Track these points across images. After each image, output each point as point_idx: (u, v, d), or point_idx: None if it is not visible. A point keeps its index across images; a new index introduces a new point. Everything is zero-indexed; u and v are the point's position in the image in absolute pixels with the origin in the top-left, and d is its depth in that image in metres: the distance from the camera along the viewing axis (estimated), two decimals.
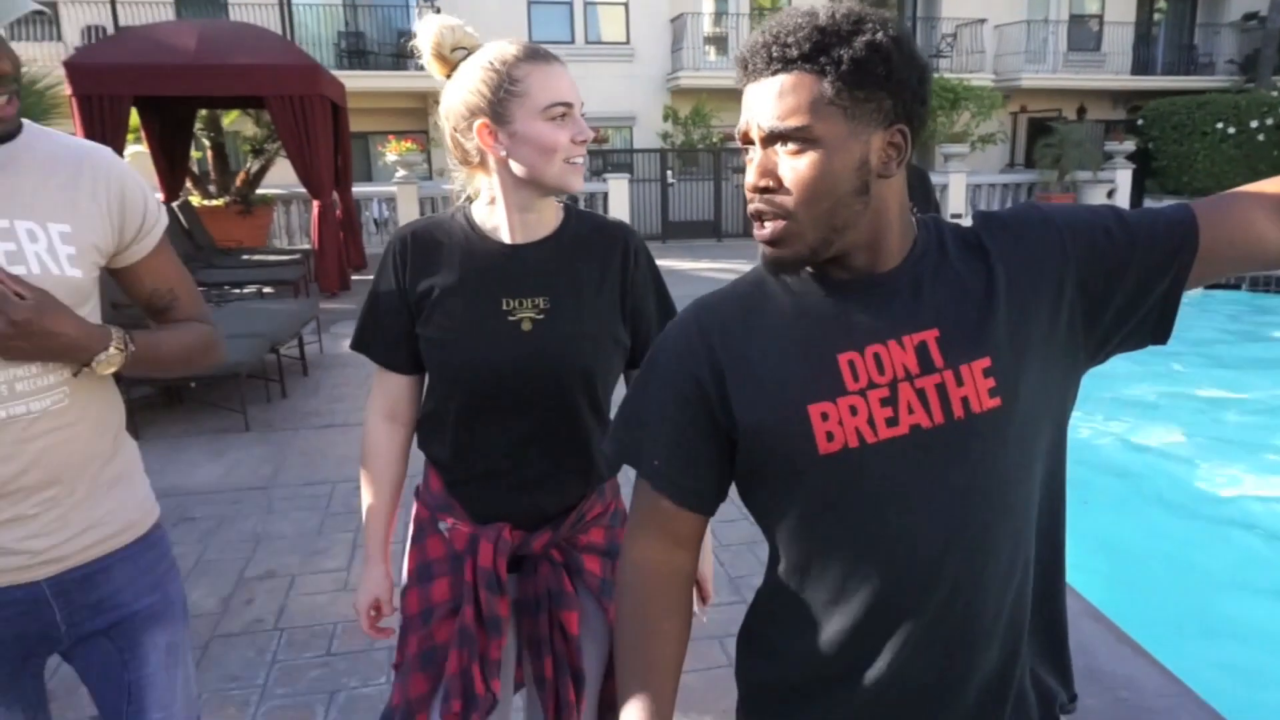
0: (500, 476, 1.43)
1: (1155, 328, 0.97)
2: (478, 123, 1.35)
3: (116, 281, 1.44)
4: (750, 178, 0.94)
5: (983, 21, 17.51)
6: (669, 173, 14.96)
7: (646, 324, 1.49)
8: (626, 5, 17.11)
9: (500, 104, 1.33)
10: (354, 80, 12.97)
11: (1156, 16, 19.79)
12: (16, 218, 1.25)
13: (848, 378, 0.93)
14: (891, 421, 0.91)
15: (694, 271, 11.19)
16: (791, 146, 0.90)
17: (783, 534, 1.00)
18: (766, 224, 0.93)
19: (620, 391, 1.29)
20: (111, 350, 1.30)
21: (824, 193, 0.90)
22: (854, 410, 0.92)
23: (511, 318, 1.39)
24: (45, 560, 1.33)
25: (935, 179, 14.14)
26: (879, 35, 0.88)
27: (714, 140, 15.46)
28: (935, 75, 16.45)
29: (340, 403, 5.61)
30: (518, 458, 1.42)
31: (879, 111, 0.89)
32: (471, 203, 1.46)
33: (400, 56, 16.45)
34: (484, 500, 1.46)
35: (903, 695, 0.95)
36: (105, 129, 7.96)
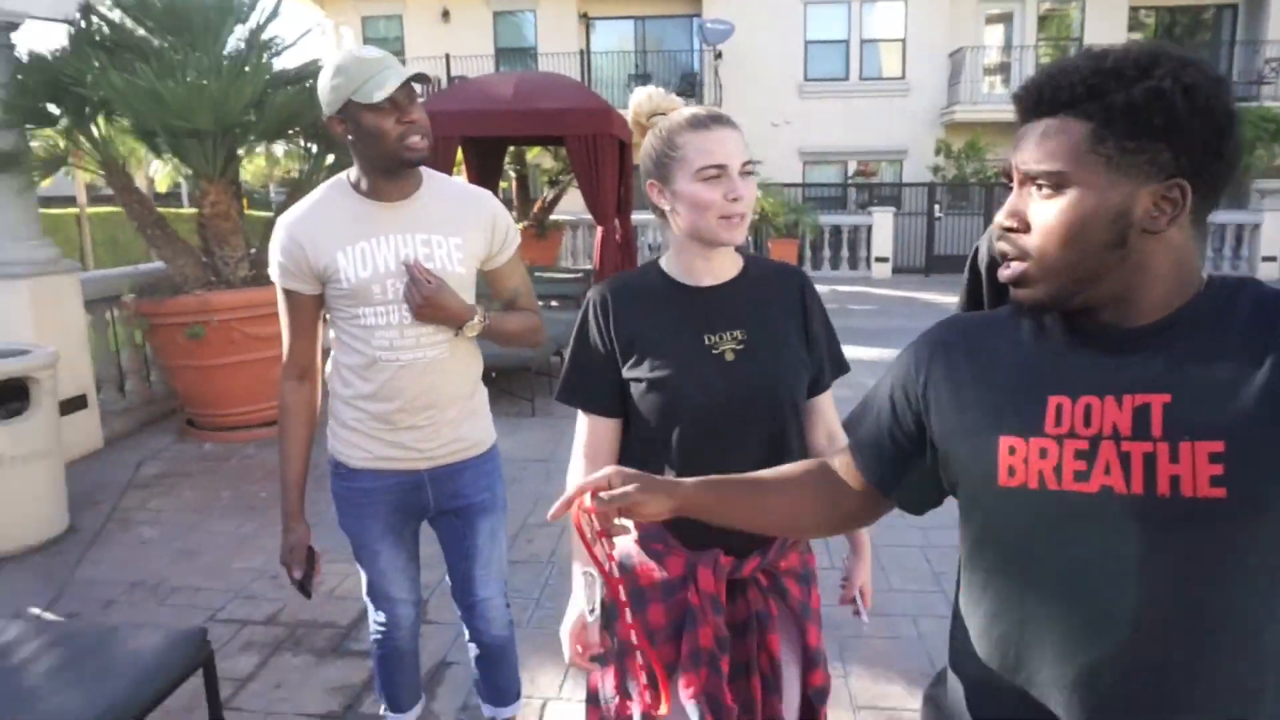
0: None
1: None
2: (647, 181, 1.51)
3: (484, 279, 2.07)
4: (999, 216, 0.92)
5: None
6: (936, 206, 14.81)
7: (819, 349, 1.57)
8: (904, 41, 17.15)
9: (663, 166, 1.45)
10: None
11: None
12: (432, 232, 1.91)
13: (1050, 419, 0.89)
14: (1081, 475, 0.86)
15: (953, 304, 11.08)
16: (1044, 190, 0.87)
17: (963, 547, 1.00)
18: (1010, 264, 0.91)
19: None
20: (475, 321, 1.92)
21: (1069, 240, 0.87)
22: (1044, 453, 0.88)
23: (715, 351, 1.48)
24: (426, 456, 1.99)
25: (1245, 218, 12.85)
26: (1166, 82, 0.81)
27: (988, 175, 15.08)
28: (1256, 104, 14.96)
29: None
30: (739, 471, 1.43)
31: (1152, 164, 0.83)
32: (663, 255, 1.60)
33: (682, 95, 17.69)
34: (700, 528, 1.26)
35: None
36: (438, 163, 9.56)
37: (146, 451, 5.27)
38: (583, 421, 1.59)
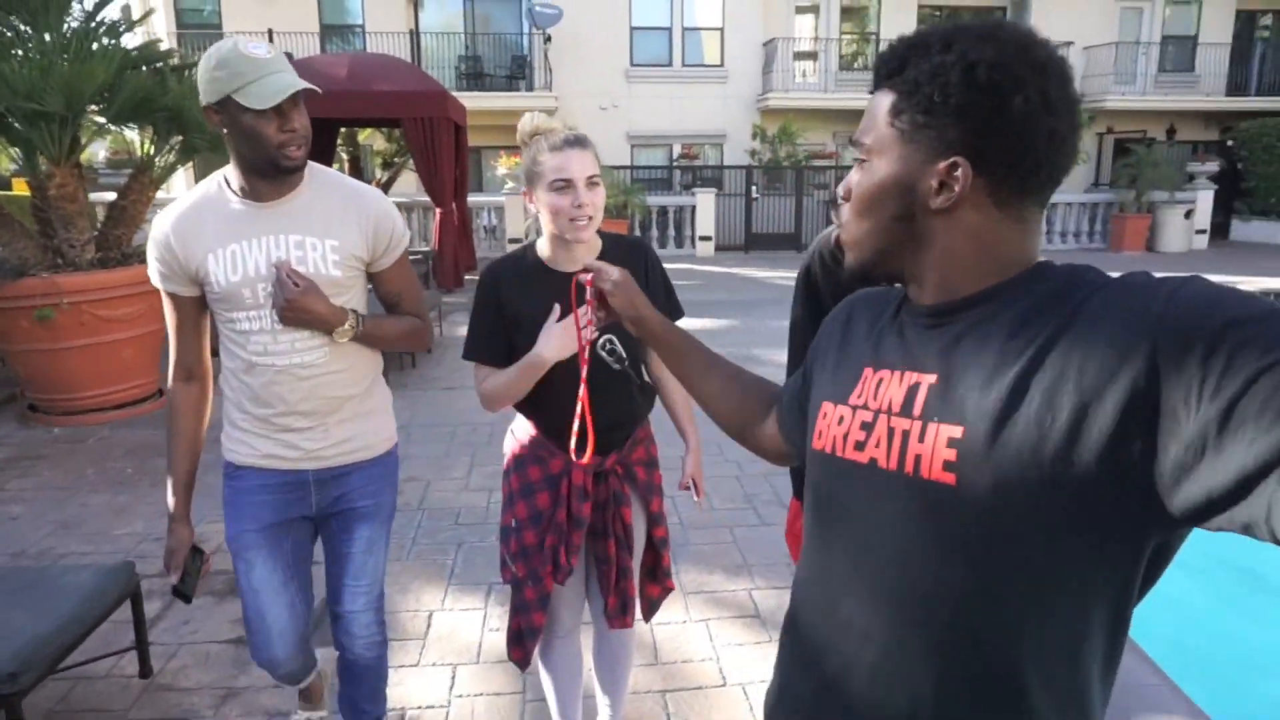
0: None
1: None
2: (522, 190, 1.90)
3: (370, 281, 1.99)
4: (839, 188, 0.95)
5: (1070, 44, 17.86)
6: (754, 188, 15.95)
7: (659, 301, 1.95)
8: (722, 30, 18.18)
9: (531, 178, 1.85)
10: (471, 100, 14.45)
11: (1261, 34, 19.63)
12: (307, 234, 1.81)
13: (855, 390, 0.93)
14: (859, 445, 0.89)
15: (770, 279, 12.16)
16: (858, 160, 0.91)
17: None
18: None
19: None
20: (346, 326, 1.85)
21: (864, 210, 0.90)
22: (841, 420, 0.93)
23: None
24: (311, 456, 1.93)
25: None
26: (950, 57, 0.80)
27: (799, 159, 16.37)
28: None
29: (456, 372, 6.89)
30: (595, 412, 1.71)
31: (940, 140, 0.82)
32: (537, 242, 1.95)
33: (512, 79, 17.97)
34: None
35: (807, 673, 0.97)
36: None
37: None
38: (482, 371, 1.94)
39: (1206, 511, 0.65)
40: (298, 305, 1.77)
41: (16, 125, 4.99)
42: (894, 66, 0.86)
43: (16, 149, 5.38)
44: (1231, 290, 0.70)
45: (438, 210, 10.68)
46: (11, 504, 4.27)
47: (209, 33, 16.93)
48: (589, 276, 1.31)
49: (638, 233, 14.83)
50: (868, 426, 0.89)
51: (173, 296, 1.87)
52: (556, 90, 17.34)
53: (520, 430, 2.04)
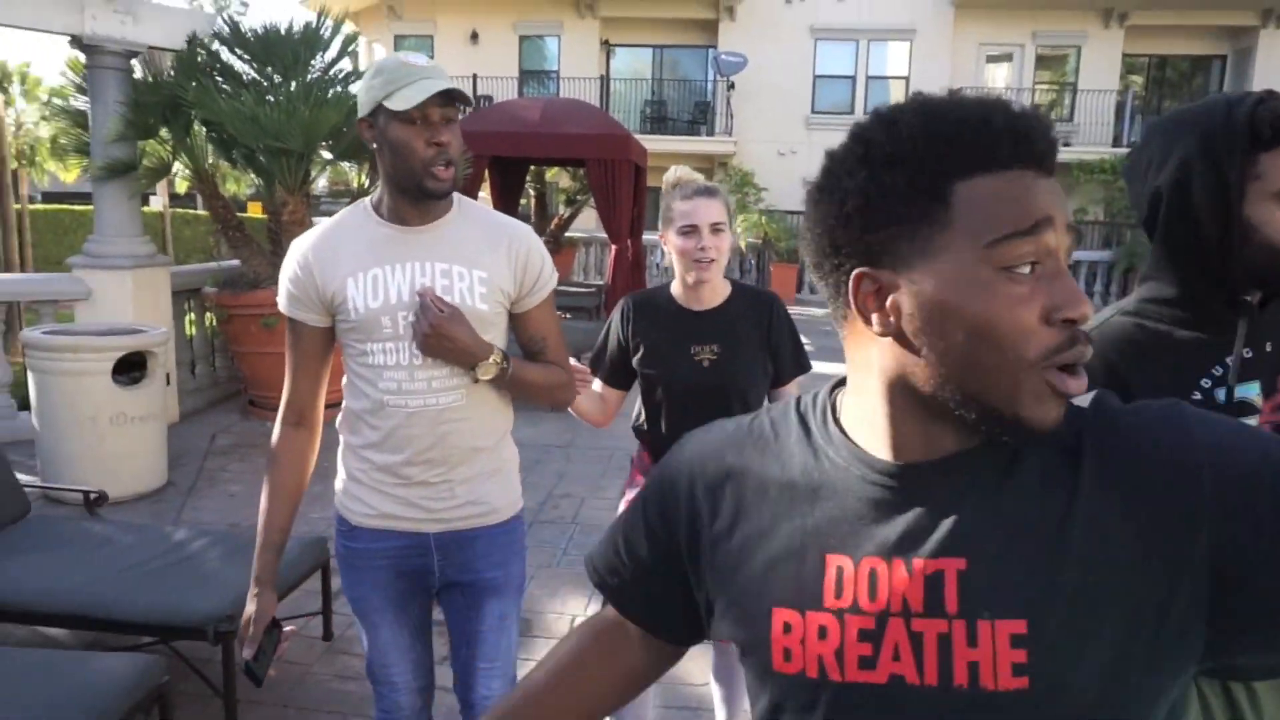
0: None
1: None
2: (659, 232, 2.10)
3: (510, 323, 1.78)
4: (1085, 305, 0.65)
5: None
6: None
7: (782, 355, 2.13)
8: (908, 79, 18.04)
9: (665, 221, 2.06)
10: (653, 143, 15.07)
11: None
12: (454, 262, 1.67)
13: (829, 589, 0.71)
14: (866, 663, 0.69)
15: None
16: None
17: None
18: (1076, 381, 0.66)
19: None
20: (491, 361, 1.65)
21: None
22: (823, 633, 0.71)
23: (696, 358, 2.07)
24: (435, 518, 1.72)
25: None
26: None
27: None
28: None
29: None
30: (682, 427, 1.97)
31: None
32: (671, 283, 2.15)
33: (694, 123, 18.56)
34: None
35: None
36: (468, 181, 10.39)
37: (217, 426, 6.03)
38: (599, 385, 2.22)
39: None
40: (443, 331, 1.60)
41: (261, 159, 5.81)
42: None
43: (258, 178, 6.25)
44: (1239, 427, 0.69)
45: (613, 246, 11.21)
46: (231, 484, 4.93)
47: None
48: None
49: (808, 279, 14.88)
50: (871, 636, 0.69)
51: (298, 326, 1.71)
52: (736, 135, 17.74)
53: (640, 461, 2.25)
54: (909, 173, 0.66)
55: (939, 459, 0.71)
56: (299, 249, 1.69)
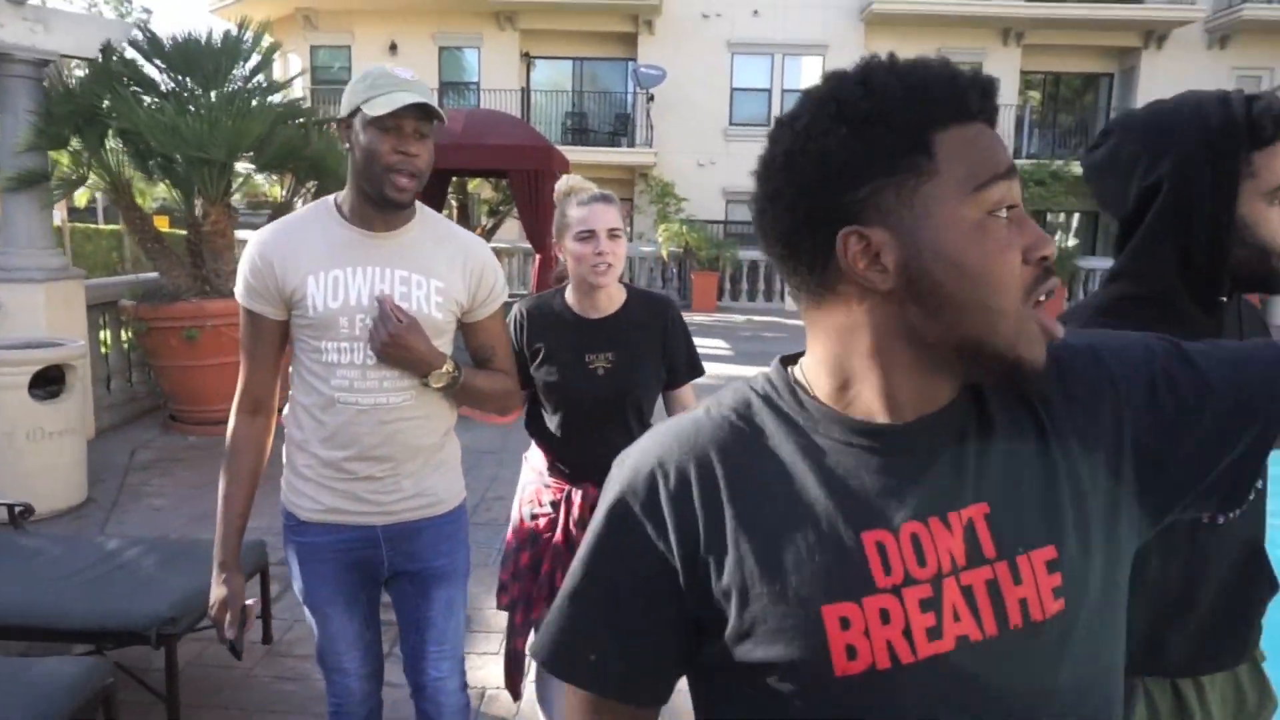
0: (588, 452, 2.02)
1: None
2: (554, 240, 2.09)
3: (461, 332, 1.87)
4: (1050, 245, 0.69)
5: None
6: None
7: (677, 359, 2.13)
8: None
9: (560, 229, 2.04)
10: (575, 154, 15.20)
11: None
12: (413, 270, 1.74)
13: (877, 568, 0.67)
14: (934, 633, 0.66)
15: None
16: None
17: None
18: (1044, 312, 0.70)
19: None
20: (443, 370, 1.74)
21: None
22: (885, 616, 0.66)
23: (590, 366, 2.04)
24: (382, 511, 1.79)
25: (1110, 262, 14.51)
26: None
27: None
28: None
29: None
30: (599, 444, 1.81)
31: None
32: (565, 288, 2.11)
33: (615, 134, 18.77)
34: (575, 469, 2.09)
35: None
36: None
37: (137, 441, 5.90)
38: None
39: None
40: (401, 341, 1.66)
41: (179, 170, 5.74)
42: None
43: (175, 190, 6.16)
44: (1113, 334, 0.81)
45: (537, 256, 11.29)
46: (154, 498, 4.85)
47: (339, 88, 18.33)
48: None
49: (728, 285, 15.20)
50: (931, 604, 0.66)
51: (255, 317, 1.74)
52: (656, 146, 18.02)
53: (534, 456, 2.22)
54: (893, 126, 0.66)
55: (936, 411, 0.71)
56: (260, 243, 1.73)
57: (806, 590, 0.68)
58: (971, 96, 0.68)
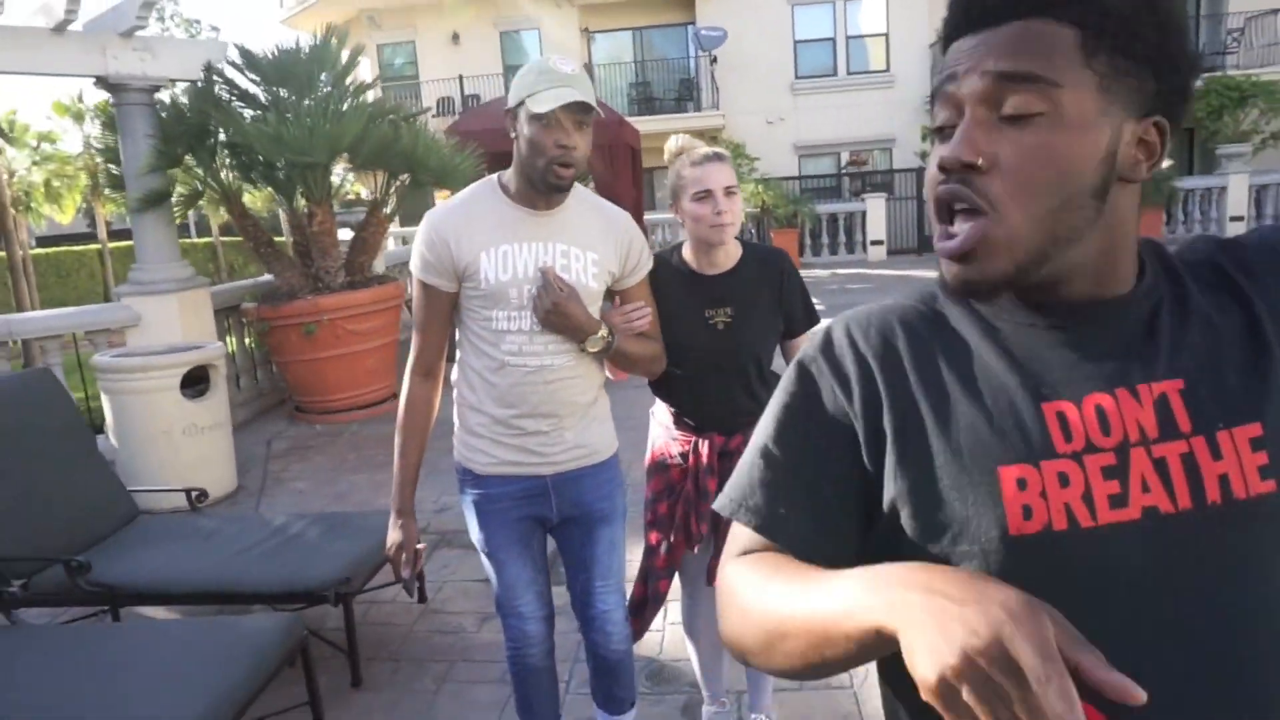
0: (711, 405, 2.14)
1: None
2: (670, 203, 2.13)
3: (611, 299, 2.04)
4: (948, 150, 0.68)
5: (1276, 12, 16.56)
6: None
7: (794, 309, 2.16)
8: (887, 36, 18.17)
9: (675, 191, 2.09)
10: (643, 124, 15.26)
11: None
12: (572, 244, 1.91)
13: (1057, 435, 0.68)
14: (1118, 500, 0.66)
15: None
16: (1017, 111, 0.66)
17: None
18: (958, 226, 0.69)
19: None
20: (599, 335, 1.90)
21: (1054, 183, 0.66)
22: (1064, 479, 0.67)
23: (710, 322, 2.09)
24: (549, 462, 1.97)
25: (1212, 182, 13.85)
26: None
27: None
28: (1221, 74, 15.96)
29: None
30: (722, 397, 2.09)
31: (1139, 93, 0.68)
32: (682, 245, 2.19)
33: (680, 100, 18.73)
34: (700, 420, 2.17)
35: None
36: (475, 177, 10.64)
37: (270, 432, 6.33)
38: None
39: None
40: (562, 309, 1.83)
41: (280, 176, 6.08)
42: None
43: (277, 194, 6.53)
44: None
45: None
46: (295, 482, 5.23)
47: (409, 82, 18.79)
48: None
49: (808, 241, 15.11)
50: (1115, 471, 0.67)
51: (430, 290, 1.92)
52: (723, 108, 17.92)
53: (660, 412, 2.30)
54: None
55: (1126, 292, 0.73)
56: (435, 222, 1.89)
57: (982, 451, 0.70)
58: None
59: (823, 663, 0.67)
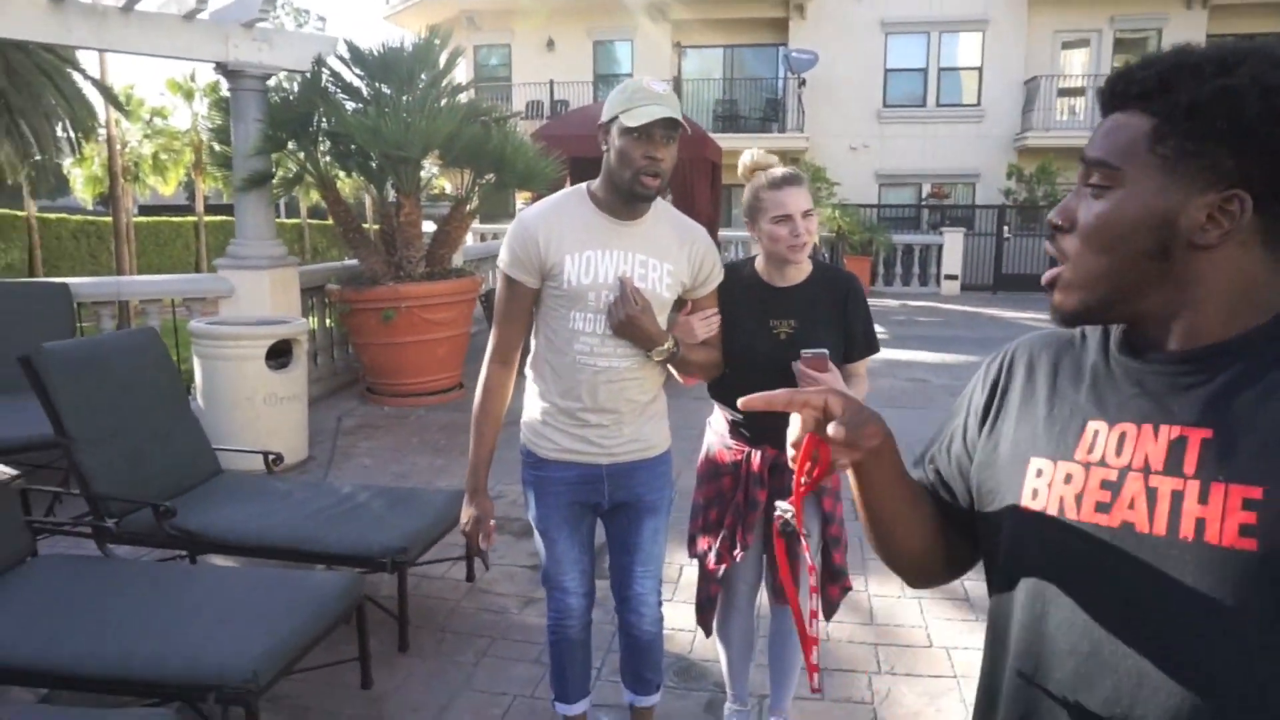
0: (766, 419, 2.00)
1: None
2: (745, 219, 2.20)
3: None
4: (1051, 213, 0.88)
5: None
6: (1005, 227, 15.60)
7: (855, 334, 2.21)
8: (980, 70, 17.96)
9: (753, 211, 2.15)
10: (727, 141, 15.39)
11: None
12: (650, 254, 2.03)
13: (1082, 445, 0.84)
14: (1103, 507, 0.80)
15: (1016, 319, 11.96)
16: (1094, 189, 0.83)
17: (987, 571, 0.96)
18: (1053, 267, 0.87)
19: None
20: (665, 347, 2.03)
21: (1107, 244, 0.81)
22: (1068, 478, 0.84)
23: (774, 331, 2.17)
24: (606, 452, 2.12)
25: None
26: (1243, 80, 0.74)
27: (1057, 197, 15.79)
28: None
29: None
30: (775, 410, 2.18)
31: (1212, 170, 0.76)
32: (756, 258, 2.27)
33: (766, 120, 18.82)
34: (755, 432, 2.21)
35: None
36: (558, 182, 10.90)
37: (342, 410, 6.64)
38: None
39: None
40: (635, 322, 1.96)
41: (373, 166, 6.40)
42: (1150, 87, 0.80)
43: (370, 183, 6.86)
44: None
45: None
46: (362, 458, 5.50)
47: (501, 84, 19.29)
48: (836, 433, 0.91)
49: (881, 269, 15.04)
50: (1112, 486, 0.81)
51: (514, 284, 2.05)
52: (808, 131, 17.95)
53: (716, 421, 2.37)
54: None
55: (1205, 346, 0.81)
56: (528, 222, 2.02)
57: (1028, 443, 0.90)
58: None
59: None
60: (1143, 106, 0.80)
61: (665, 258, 2.04)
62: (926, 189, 18.16)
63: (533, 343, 2.18)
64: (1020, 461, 0.90)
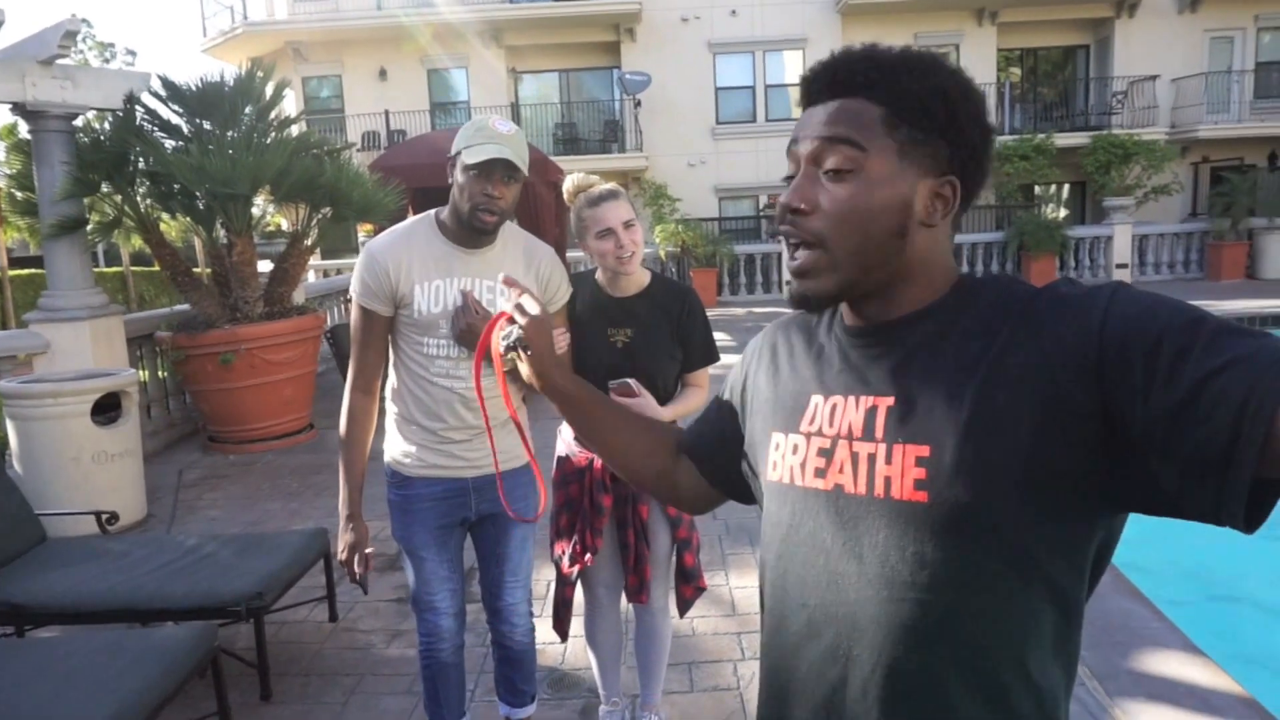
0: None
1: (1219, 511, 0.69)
2: (576, 239, 2.30)
3: None
4: (783, 197, 0.90)
5: (1155, 78, 17.93)
6: None
7: (692, 343, 2.32)
8: None
9: (579, 229, 2.24)
10: (568, 164, 15.56)
11: None
12: (497, 280, 2.07)
13: (806, 418, 0.94)
14: (820, 473, 0.90)
15: None
16: (833, 168, 0.87)
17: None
18: (798, 253, 0.91)
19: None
20: (508, 358, 1.79)
21: (858, 225, 0.87)
22: (795, 449, 0.94)
23: (611, 339, 2.26)
24: (472, 465, 2.19)
25: (1099, 231, 14.83)
26: (946, 81, 0.86)
27: None
28: (1106, 132, 17.15)
29: None
30: None
31: (933, 158, 0.87)
32: (598, 269, 2.31)
33: (605, 142, 19.16)
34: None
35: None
36: (400, 211, 10.70)
37: (182, 462, 6.29)
38: None
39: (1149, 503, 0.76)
40: (476, 329, 2.01)
41: (199, 207, 6.12)
42: (874, 78, 0.87)
43: (199, 225, 6.55)
44: (1158, 299, 0.76)
45: None
46: (209, 510, 5.24)
47: (334, 115, 18.76)
48: (522, 318, 1.17)
49: (726, 280, 15.57)
50: (826, 453, 0.90)
51: (368, 314, 2.10)
52: (647, 150, 18.40)
53: (565, 430, 2.42)
54: None
55: (896, 319, 0.91)
56: (376, 251, 2.07)
57: (772, 418, 1.01)
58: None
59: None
60: (868, 95, 0.87)
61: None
62: (764, 200, 18.96)
63: (391, 374, 2.21)
64: (765, 437, 1.00)
